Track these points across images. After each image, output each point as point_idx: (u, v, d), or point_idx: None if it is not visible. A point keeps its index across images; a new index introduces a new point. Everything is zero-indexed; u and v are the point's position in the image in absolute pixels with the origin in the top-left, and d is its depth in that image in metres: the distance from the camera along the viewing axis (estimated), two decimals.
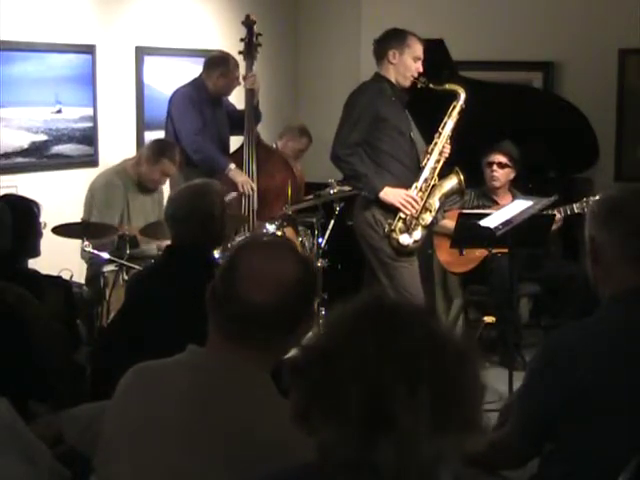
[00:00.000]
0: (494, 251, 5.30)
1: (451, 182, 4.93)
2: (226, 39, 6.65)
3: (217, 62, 5.83)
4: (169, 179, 5.79)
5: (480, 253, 5.49)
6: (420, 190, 4.86)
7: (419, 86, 4.82)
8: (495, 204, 5.63)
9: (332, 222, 5.69)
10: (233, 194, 5.44)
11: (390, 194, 4.76)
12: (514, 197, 5.56)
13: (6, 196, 4.19)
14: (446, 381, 1.27)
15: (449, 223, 5.31)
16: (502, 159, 5.68)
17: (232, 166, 5.67)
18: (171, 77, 6.41)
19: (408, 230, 4.81)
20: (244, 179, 5.69)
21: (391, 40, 4.82)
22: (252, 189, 5.73)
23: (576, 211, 5.31)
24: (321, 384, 1.29)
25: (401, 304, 1.36)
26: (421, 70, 4.81)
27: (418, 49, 4.81)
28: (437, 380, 1.26)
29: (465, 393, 1.29)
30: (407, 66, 4.80)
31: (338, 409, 1.26)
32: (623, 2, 6.51)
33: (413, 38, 4.82)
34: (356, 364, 1.26)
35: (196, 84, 5.84)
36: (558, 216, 5.33)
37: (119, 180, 5.31)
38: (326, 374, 1.28)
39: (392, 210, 4.80)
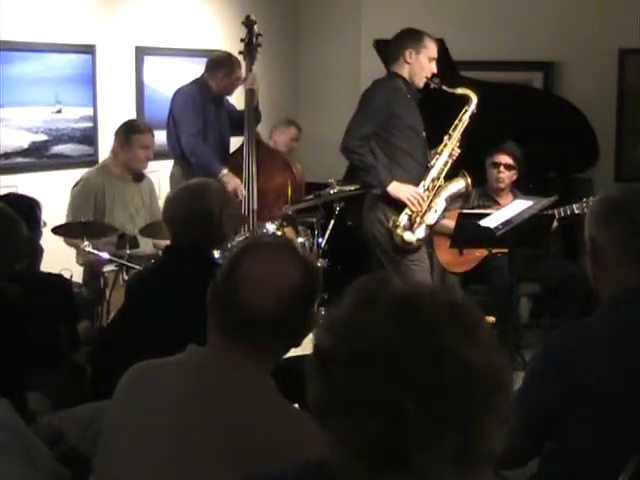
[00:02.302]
0: (494, 251, 5.30)
1: (458, 184, 4.94)
2: (226, 39, 6.65)
3: (221, 62, 5.83)
4: (170, 177, 5.80)
5: (480, 253, 5.49)
6: (427, 189, 4.87)
7: (432, 87, 4.82)
8: (496, 204, 5.62)
9: (332, 222, 5.69)
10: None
11: (398, 189, 4.76)
12: (515, 197, 5.55)
13: (7, 195, 4.18)
14: (476, 422, 1.16)
15: (449, 222, 5.31)
16: (509, 160, 5.67)
17: (225, 171, 5.65)
18: (171, 77, 6.42)
19: (412, 227, 4.82)
20: (234, 185, 5.65)
21: (408, 39, 4.82)
22: (242, 195, 5.70)
23: (576, 212, 5.29)
24: (344, 389, 1.16)
25: (439, 314, 1.18)
26: (435, 71, 4.82)
27: (434, 50, 4.82)
28: (466, 424, 1.15)
29: (492, 428, 1.18)
30: (423, 66, 4.80)
31: (353, 435, 1.15)
32: (623, 2, 6.51)
33: (429, 39, 4.83)
34: (384, 392, 1.13)
35: (199, 83, 5.83)
36: (556, 216, 5.32)
37: (97, 178, 5.29)
38: (350, 382, 1.16)
39: (400, 207, 4.81)
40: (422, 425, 1.13)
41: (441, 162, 4.91)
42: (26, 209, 3.80)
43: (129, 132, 5.34)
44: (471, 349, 1.16)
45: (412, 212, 4.80)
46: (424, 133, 4.94)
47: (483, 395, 1.16)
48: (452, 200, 5.04)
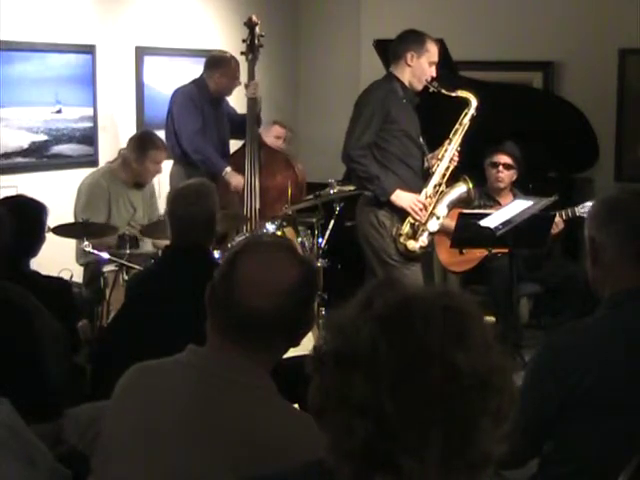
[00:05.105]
0: (494, 251, 5.30)
1: (460, 190, 4.89)
2: (226, 39, 6.66)
3: (218, 62, 5.84)
4: (169, 177, 5.80)
5: (480, 253, 5.49)
6: (429, 196, 4.84)
7: (431, 90, 4.78)
8: (497, 204, 5.62)
9: (332, 222, 5.68)
10: None
11: (402, 198, 4.72)
12: (515, 197, 5.55)
13: (16, 197, 4.17)
14: (466, 425, 1.14)
15: (449, 222, 5.30)
16: (507, 160, 5.67)
17: (228, 169, 5.68)
18: (171, 77, 6.42)
19: (415, 236, 4.79)
20: (237, 183, 5.68)
21: (410, 42, 4.77)
22: (240, 192, 5.73)
23: (578, 214, 5.25)
24: (333, 391, 1.17)
25: (430, 317, 1.17)
26: (434, 75, 4.78)
27: (435, 54, 4.78)
28: (455, 427, 1.13)
29: (484, 428, 1.15)
30: (423, 70, 4.76)
31: (342, 437, 1.16)
32: (623, 2, 6.51)
33: (432, 42, 4.78)
34: (366, 394, 1.13)
35: (198, 83, 5.85)
36: (558, 219, 5.28)
37: (105, 181, 5.29)
38: (337, 383, 1.16)
39: (396, 212, 4.76)
40: (405, 428, 1.12)
41: (442, 167, 4.86)
42: (35, 214, 3.79)
43: (145, 146, 5.31)
44: (461, 351, 1.15)
45: (415, 221, 4.78)
46: (421, 139, 4.90)
47: (474, 397, 1.14)
48: (454, 206, 5.00)
